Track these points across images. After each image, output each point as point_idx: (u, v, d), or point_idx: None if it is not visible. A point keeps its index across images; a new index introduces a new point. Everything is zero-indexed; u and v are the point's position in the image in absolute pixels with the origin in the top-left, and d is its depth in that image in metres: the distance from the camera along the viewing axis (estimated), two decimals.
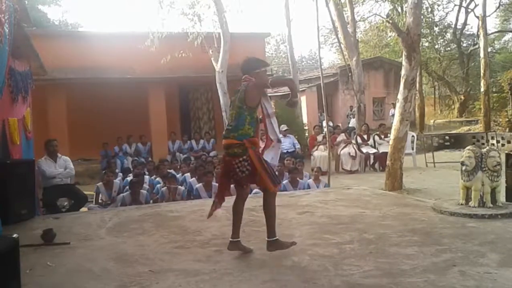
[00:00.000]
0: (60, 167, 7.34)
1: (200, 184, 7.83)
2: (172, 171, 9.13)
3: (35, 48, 6.89)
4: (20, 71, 6.51)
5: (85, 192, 7.83)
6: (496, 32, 30.19)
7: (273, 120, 4.14)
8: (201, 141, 13.78)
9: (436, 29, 28.29)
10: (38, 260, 4.17)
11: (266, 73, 4.22)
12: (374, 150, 12.30)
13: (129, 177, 8.50)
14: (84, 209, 7.40)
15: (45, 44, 10.96)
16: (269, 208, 4.03)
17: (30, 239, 4.80)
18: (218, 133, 15.32)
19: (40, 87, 9.81)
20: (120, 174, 9.56)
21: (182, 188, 8.01)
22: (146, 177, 8.58)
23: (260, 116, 4.10)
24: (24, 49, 6.50)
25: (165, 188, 7.78)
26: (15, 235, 2.80)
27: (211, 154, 12.46)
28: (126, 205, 7.07)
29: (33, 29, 13.24)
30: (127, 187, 7.75)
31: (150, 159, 12.11)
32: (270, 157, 4.12)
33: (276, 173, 4.27)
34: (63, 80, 13.09)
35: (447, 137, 15.48)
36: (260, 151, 4.04)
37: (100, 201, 7.92)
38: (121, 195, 7.51)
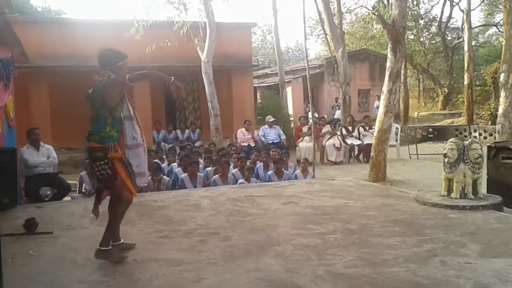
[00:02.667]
0: (43, 156, 7.26)
1: (185, 174, 7.81)
2: (157, 160, 9.08)
3: (17, 35, 6.76)
4: (1, 58, 6.39)
5: (69, 182, 7.75)
6: (480, 26, 30.53)
7: (131, 123, 3.88)
8: (187, 131, 13.71)
9: (421, 22, 28.48)
10: (20, 249, 4.13)
11: (127, 66, 3.79)
12: (358, 142, 12.39)
13: None
14: (67, 198, 7.33)
15: (28, 31, 10.74)
16: (116, 217, 3.76)
17: (12, 228, 4.76)
18: (204, 123, 15.27)
19: (23, 74, 9.64)
20: None
21: (167, 178, 7.98)
22: None
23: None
24: (6, 35, 6.37)
25: (149, 177, 7.74)
26: None
27: (196, 144, 12.41)
28: None
29: (15, 15, 13.00)
30: None
31: None
32: (136, 164, 3.89)
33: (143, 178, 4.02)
34: (46, 68, 12.88)
35: (430, 130, 15.64)
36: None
37: (83, 190, 7.83)
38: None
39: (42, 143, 7.40)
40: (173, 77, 3.75)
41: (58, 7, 39.62)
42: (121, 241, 3.97)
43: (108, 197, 3.83)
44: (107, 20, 15.75)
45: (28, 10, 23.77)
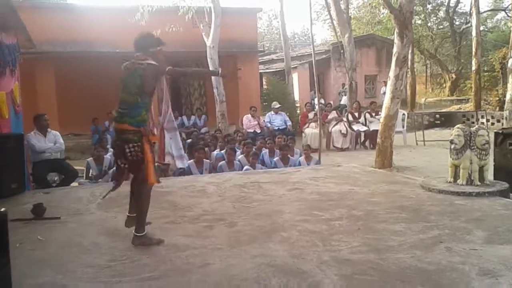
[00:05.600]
0: (50, 142, 7.29)
1: (192, 160, 7.83)
2: None
3: (22, 20, 6.75)
4: (7, 43, 6.39)
5: (76, 167, 7.80)
6: (488, 10, 30.10)
7: (168, 108, 3.95)
8: (192, 117, 13.70)
9: (429, 6, 28.12)
10: (29, 234, 4.18)
11: (162, 53, 3.86)
12: (365, 128, 12.35)
13: None
14: (74, 184, 7.39)
15: (33, 17, 10.72)
16: (143, 202, 3.76)
17: (20, 213, 4.81)
18: (210, 109, 15.25)
19: (29, 60, 9.65)
20: (111, 149, 9.50)
21: None
22: None
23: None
24: (11, 21, 6.36)
25: (156, 164, 7.77)
26: (3, 209, 2.79)
27: (202, 130, 12.42)
28: None
29: (20, 1, 12.98)
30: None
31: None
32: (178, 147, 4.00)
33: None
34: (52, 54, 12.88)
35: (437, 116, 15.57)
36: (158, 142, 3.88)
37: (90, 176, 7.89)
38: (112, 169, 7.49)
39: (49, 129, 7.42)
40: (220, 69, 3.82)
41: None
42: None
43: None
44: (113, 6, 15.74)
45: None
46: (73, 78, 13.28)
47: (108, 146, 9.68)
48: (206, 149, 8.54)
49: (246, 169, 7.72)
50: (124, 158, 3.68)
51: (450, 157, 5.57)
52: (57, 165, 7.39)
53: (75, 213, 5.01)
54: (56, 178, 7.63)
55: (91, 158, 8.16)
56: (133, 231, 3.77)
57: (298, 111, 16.93)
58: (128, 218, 3.98)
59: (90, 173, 7.85)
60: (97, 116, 12.81)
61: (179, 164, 4.05)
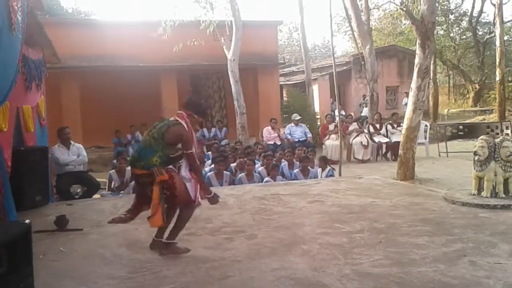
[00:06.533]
0: (73, 155, 7.41)
1: (212, 172, 7.86)
2: None
3: (48, 36, 6.92)
4: (34, 59, 6.56)
5: (98, 179, 7.90)
6: None
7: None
8: (213, 129, 13.76)
9: (451, 16, 27.85)
10: (51, 245, 4.25)
11: (199, 120, 4.03)
12: (386, 140, 12.21)
13: None
14: (96, 196, 7.48)
15: (58, 32, 10.98)
16: (184, 221, 3.88)
17: (43, 225, 4.89)
18: (230, 122, 15.33)
19: (54, 75, 9.88)
20: None
21: None
22: None
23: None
24: (37, 37, 6.53)
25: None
26: (27, 221, 2.85)
27: (223, 142, 12.47)
28: None
29: (46, 17, 13.34)
30: None
31: None
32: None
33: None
34: (76, 68, 13.18)
35: (460, 127, 15.30)
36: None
37: (112, 188, 7.99)
38: (134, 182, 7.57)
39: (72, 142, 7.55)
40: (215, 195, 3.99)
41: (87, 8, 40.38)
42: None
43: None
44: (135, 21, 16.04)
45: (59, 11, 24.38)
46: (97, 92, 13.54)
47: (129, 159, 9.83)
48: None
49: (266, 181, 7.71)
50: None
51: (474, 169, 5.47)
52: (80, 177, 7.51)
53: (97, 224, 5.06)
54: (79, 190, 7.75)
55: (113, 170, 8.26)
56: (163, 239, 3.84)
57: (319, 123, 16.86)
58: (154, 242, 3.98)
59: (113, 185, 7.95)
60: (120, 128, 13.00)
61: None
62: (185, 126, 3.79)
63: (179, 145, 3.83)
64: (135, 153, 3.91)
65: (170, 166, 3.84)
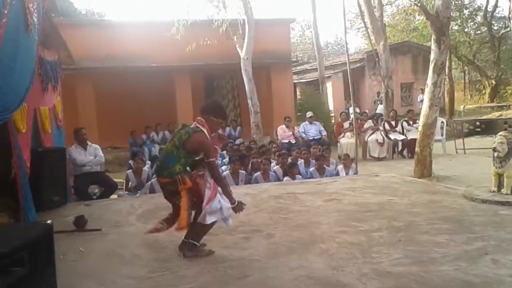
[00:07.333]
0: (90, 155, 7.47)
1: (227, 171, 7.86)
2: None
3: (63, 37, 6.98)
4: (50, 60, 6.61)
5: (115, 180, 7.96)
6: None
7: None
8: (227, 129, 13.79)
9: (466, 11, 27.48)
10: (71, 246, 4.28)
11: (219, 125, 3.99)
12: (402, 137, 12.10)
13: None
14: (114, 196, 7.54)
15: (72, 34, 11.08)
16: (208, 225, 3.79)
17: (62, 225, 4.93)
18: (244, 121, 15.34)
19: (69, 76, 9.97)
20: (148, 162, 9.68)
21: None
22: None
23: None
24: (53, 38, 6.58)
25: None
26: (49, 221, 2.87)
27: (237, 141, 12.47)
28: (155, 191, 7.16)
29: (60, 18, 13.47)
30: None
31: None
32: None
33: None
34: (91, 69, 13.28)
35: (477, 123, 15.11)
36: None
37: (129, 188, 8.05)
38: (150, 182, 7.61)
39: (89, 143, 7.61)
40: (238, 201, 3.87)
41: (100, 9, 40.73)
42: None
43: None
44: (149, 21, 16.09)
45: (72, 13, 24.57)
46: (112, 92, 13.64)
47: (145, 159, 9.90)
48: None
49: (285, 180, 7.71)
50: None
51: (493, 165, 5.39)
52: (97, 178, 7.56)
53: (116, 224, 5.10)
54: (96, 191, 7.81)
55: (130, 170, 8.32)
56: (188, 240, 3.78)
57: (333, 121, 16.78)
58: (183, 243, 3.90)
59: (130, 185, 8.01)
60: (135, 129, 13.09)
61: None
62: (206, 133, 3.75)
63: (201, 155, 3.77)
64: (159, 161, 3.95)
65: (194, 171, 3.81)
